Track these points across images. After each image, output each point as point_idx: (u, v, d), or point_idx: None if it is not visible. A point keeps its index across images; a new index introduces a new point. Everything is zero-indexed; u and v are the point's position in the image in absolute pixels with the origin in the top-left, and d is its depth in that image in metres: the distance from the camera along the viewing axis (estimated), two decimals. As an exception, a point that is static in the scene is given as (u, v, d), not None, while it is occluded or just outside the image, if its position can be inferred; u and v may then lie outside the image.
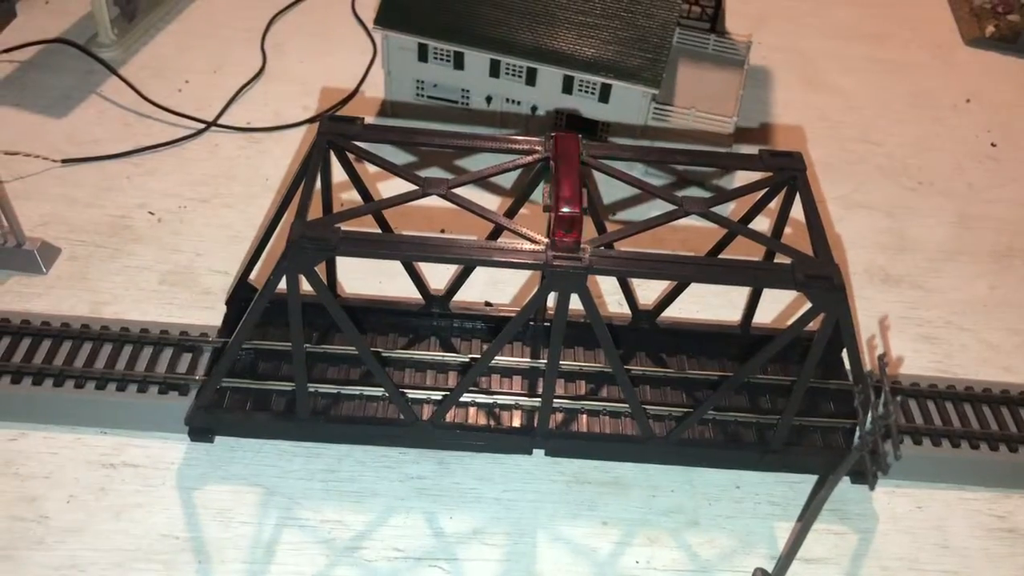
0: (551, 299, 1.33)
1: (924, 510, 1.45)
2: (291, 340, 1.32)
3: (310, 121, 2.06)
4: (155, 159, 1.93)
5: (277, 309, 1.35)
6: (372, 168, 1.48)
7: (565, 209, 1.24)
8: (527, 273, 1.74)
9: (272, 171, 1.93)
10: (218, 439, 1.44)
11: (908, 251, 1.90)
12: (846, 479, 1.46)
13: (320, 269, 1.30)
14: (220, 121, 2.03)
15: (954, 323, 1.75)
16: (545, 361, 1.38)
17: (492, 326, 1.58)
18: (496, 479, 1.43)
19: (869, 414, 1.10)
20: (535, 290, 1.33)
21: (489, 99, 1.99)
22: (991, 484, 1.48)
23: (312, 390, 1.43)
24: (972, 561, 1.40)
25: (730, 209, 1.84)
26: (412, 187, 1.34)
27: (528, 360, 1.54)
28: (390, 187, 1.78)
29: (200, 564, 1.30)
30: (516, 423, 1.46)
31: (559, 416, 1.47)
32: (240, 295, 1.55)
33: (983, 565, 1.39)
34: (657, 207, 1.39)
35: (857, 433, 1.38)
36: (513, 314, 1.38)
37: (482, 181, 1.54)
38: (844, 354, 1.42)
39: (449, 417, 1.44)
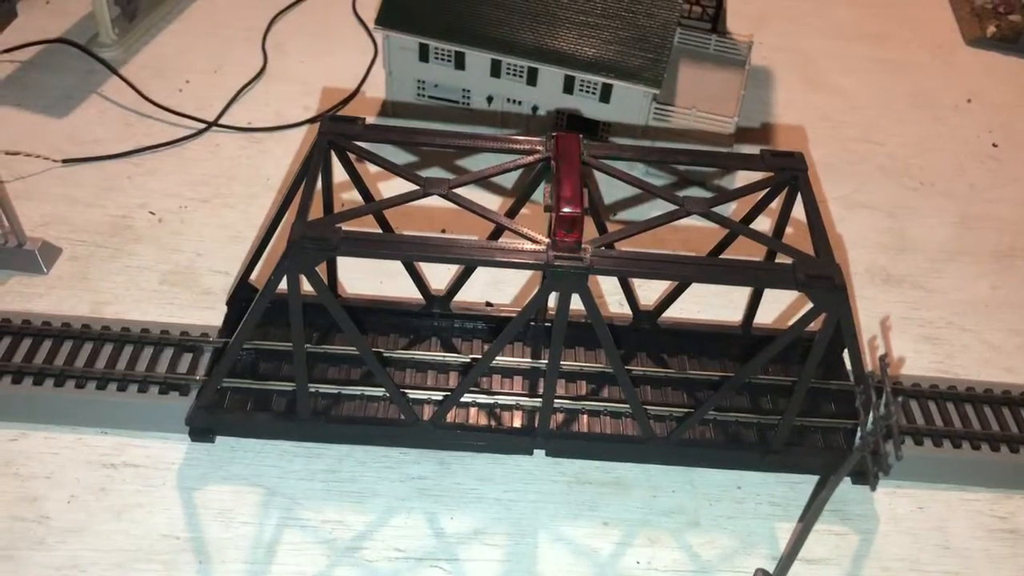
0: (552, 299, 1.33)
1: (925, 511, 1.45)
2: (292, 340, 1.32)
3: (311, 121, 2.06)
4: (156, 159, 1.93)
5: (278, 309, 1.35)
6: (373, 168, 1.48)
7: (566, 209, 1.24)
8: (528, 273, 1.73)
9: (273, 171, 1.93)
10: (219, 439, 1.44)
11: (909, 251, 1.89)
12: (847, 480, 1.46)
13: (321, 269, 1.30)
14: (221, 121, 2.03)
15: (955, 323, 1.75)
16: (546, 361, 1.38)
17: (493, 326, 1.58)
18: (497, 479, 1.43)
19: (870, 414, 1.10)
20: (536, 290, 1.33)
21: (490, 99, 1.99)
22: (992, 485, 1.48)
23: (313, 390, 1.43)
24: (973, 562, 1.40)
25: (731, 209, 1.84)
26: (413, 187, 1.34)
27: (529, 360, 1.54)
28: (391, 187, 1.78)
29: (201, 564, 1.30)
30: (517, 423, 1.46)
31: (560, 416, 1.47)
32: (241, 295, 1.55)
33: (984, 566, 1.39)
34: (658, 207, 1.39)
35: (858, 433, 1.38)
36: (514, 314, 1.38)
37: (483, 181, 1.54)
38: (845, 354, 1.42)
39: (450, 417, 1.44)
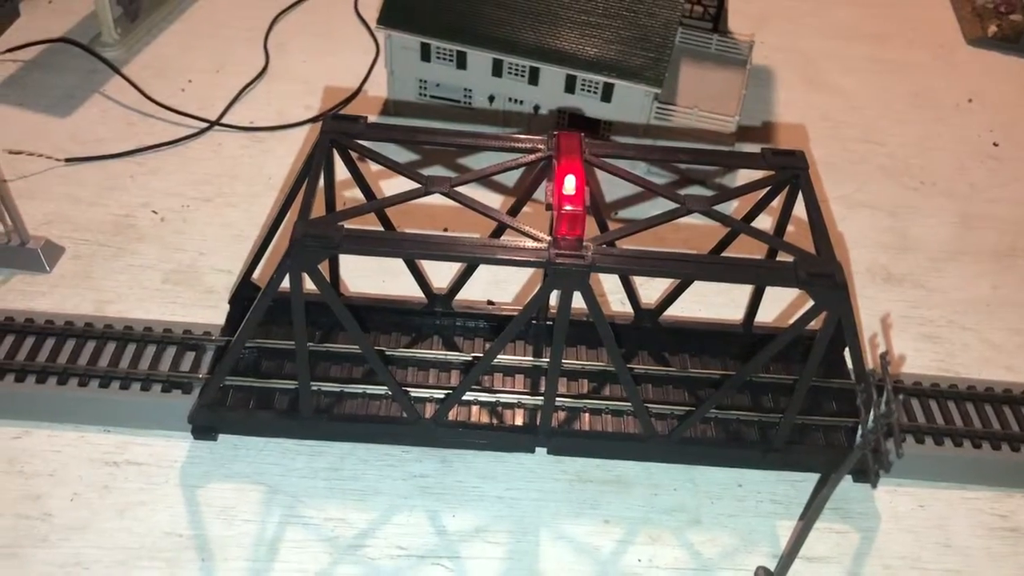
0: (553, 298, 1.33)
1: (926, 509, 1.45)
2: (294, 338, 1.32)
3: (313, 120, 2.06)
4: (158, 158, 1.93)
5: (280, 308, 1.35)
6: (375, 167, 1.48)
7: (567, 207, 1.24)
8: (529, 272, 1.74)
9: (275, 170, 1.93)
10: (221, 437, 1.45)
11: (910, 250, 1.90)
12: (848, 478, 1.47)
13: (323, 268, 1.31)
14: (223, 120, 2.03)
15: (956, 322, 1.75)
16: (548, 360, 1.38)
17: (495, 325, 1.58)
18: (499, 477, 1.43)
19: (871, 412, 1.10)
20: (537, 289, 1.33)
21: (492, 98, 1.99)
22: (993, 483, 1.48)
23: (315, 388, 1.44)
24: (974, 560, 1.40)
25: (732, 208, 1.84)
26: (415, 185, 1.34)
27: (531, 359, 1.54)
28: (393, 186, 1.78)
29: (203, 562, 1.31)
30: (519, 421, 1.46)
31: (561, 414, 1.47)
32: (243, 294, 1.55)
33: (985, 564, 1.39)
34: (659, 205, 1.39)
35: (859, 432, 1.38)
36: (516, 313, 1.38)
37: (485, 180, 1.54)
38: (847, 353, 1.42)
39: (452, 415, 1.44)
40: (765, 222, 1.48)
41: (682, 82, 2.01)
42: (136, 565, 1.29)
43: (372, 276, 1.70)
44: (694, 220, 1.47)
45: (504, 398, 1.47)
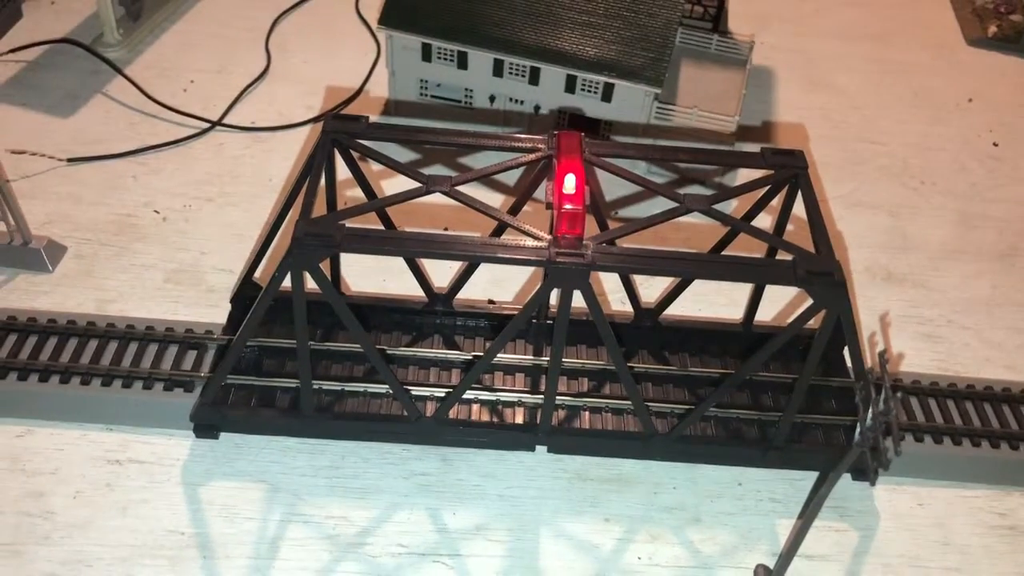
0: (554, 297, 1.34)
1: (925, 507, 1.46)
2: (296, 337, 1.33)
3: (314, 120, 2.07)
4: (160, 158, 1.94)
5: (282, 307, 1.36)
6: (376, 166, 1.49)
7: (568, 206, 1.25)
8: (530, 271, 1.74)
9: (276, 170, 1.94)
10: (223, 436, 1.45)
11: (910, 250, 1.90)
12: (847, 476, 1.47)
13: (325, 267, 1.31)
14: (225, 120, 2.04)
15: (956, 322, 1.76)
16: (548, 358, 1.38)
17: (495, 324, 1.59)
18: (499, 476, 1.44)
19: (869, 411, 1.10)
20: (538, 287, 1.34)
21: (492, 98, 2.00)
22: (992, 482, 1.49)
23: (316, 387, 1.44)
24: (973, 558, 1.40)
25: (732, 207, 1.84)
26: (416, 185, 1.35)
27: (531, 357, 1.54)
28: (394, 185, 1.79)
29: (205, 559, 1.31)
30: (519, 420, 1.47)
31: (562, 413, 1.48)
32: (245, 293, 1.55)
33: (984, 562, 1.40)
34: (659, 205, 1.40)
35: (858, 430, 1.39)
36: (516, 312, 1.39)
37: (485, 179, 1.54)
38: (847, 352, 1.43)
39: (452, 414, 1.45)
40: (765, 221, 1.49)
41: (682, 82, 2.01)
42: (138, 562, 1.30)
43: (373, 275, 1.70)
44: (694, 219, 1.48)
45: (504, 397, 1.48)
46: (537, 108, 1.98)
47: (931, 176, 2.09)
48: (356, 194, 1.51)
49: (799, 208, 1.39)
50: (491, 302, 1.66)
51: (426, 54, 1.95)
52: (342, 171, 1.45)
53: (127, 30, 2.21)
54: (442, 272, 1.68)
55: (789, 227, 1.48)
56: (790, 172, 1.41)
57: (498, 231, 1.44)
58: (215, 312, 1.61)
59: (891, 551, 1.40)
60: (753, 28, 2.28)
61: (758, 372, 1.51)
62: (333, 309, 1.31)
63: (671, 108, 1.90)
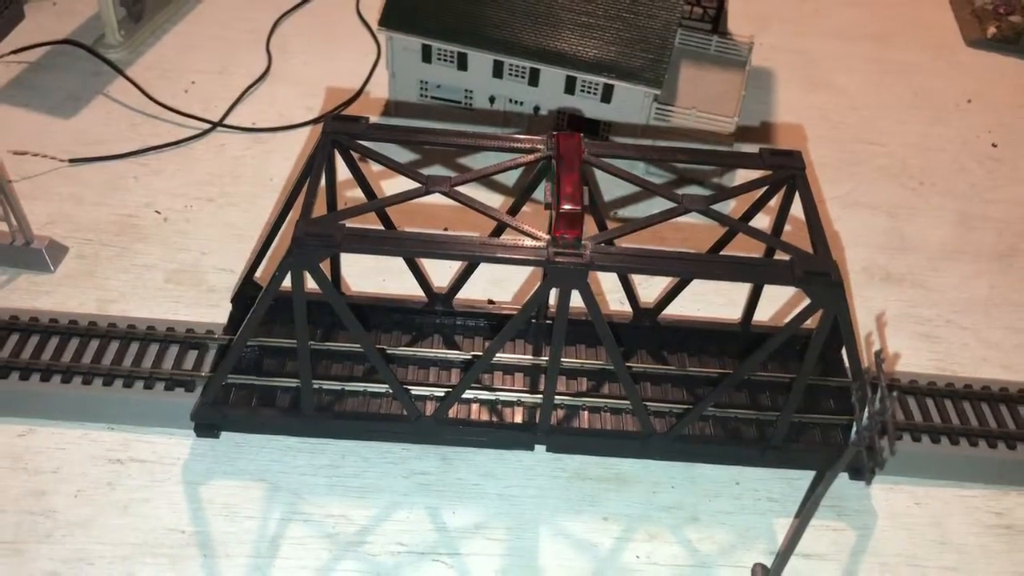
0: (553, 297, 1.34)
1: (922, 507, 1.46)
2: (296, 337, 1.33)
3: (315, 121, 2.07)
4: (161, 159, 1.95)
5: (282, 307, 1.36)
6: (376, 167, 1.49)
7: (566, 206, 1.26)
8: (529, 271, 1.75)
9: (277, 171, 1.94)
10: (223, 435, 1.46)
11: (909, 250, 1.91)
12: (844, 476, 1.47)
13: (325, 267, 1.32)
14: (226, 121, 2.05)
15: (954, 322, 1.76)
16: (547, 358, 1.39)
17: (494, 323, 1.59)
18: (498, 475, 1.45)
19: (866, 410, 1.11)
20: (536, 287, 1.34)
21: (492, 99, 2.00)
22: (989, 481, 1.49)
23: (316, 386, 1.45)
24: (970, 557, 1.41)
25: (730, 207, 1.85)
26: (415, 185, 1.35)
27: (530, 357, 1.55)
28: (393, 186, 1.80)
29: (205, 558, 1.32)
30: (518, 419, 1.47)
31: (561, 412, 1.48)
32: (245, 293, 1.56)
33: (980, 561, 1.40)
34: (658, 205, 1.40)
35: (854, 429, 1.39)
36: (515, 311, 1.39)
37: (485, 179, 1.56)
38: (845, 352, 1.43)
39: (452, 413, 1.46)
40: (763, 222, 1.49)
41: (681, 83, 2.02)
42: (139, 560, 1.31)
43: (373, 275, 1.71)
44: (692, 219, 1.49)
45: (504, 396, 1.49)
46: (537, 109, 1.99)
47: (930, 177, 2.09)
48: (356, 194, 1.52)
49: (797, 208, 1.39)
50: (490, 302, 1.66)
51: (426, 55, 1.96)
52: (342, 172, 1.45)
53: (128, 31, 2.22)
54: (442, 272, 1.68)
55: (787, 227, 1.48)
56: (788, 173, 1.41)
57: (497, 231, 1.45)
58: (216, 312, 1.62)
59: (888, 550, 1.41)
60: (753, 29, 2.29)
61: (756, 372, 1.51)
62: (333, 309, 1.32)
63: (670, 109, 1.91)
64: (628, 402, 1.44)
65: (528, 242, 1.27)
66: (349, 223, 1.27)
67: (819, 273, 1.26)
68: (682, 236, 1.85)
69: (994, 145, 2.20)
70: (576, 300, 1.27)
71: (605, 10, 1.88)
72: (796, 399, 1.37)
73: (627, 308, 1.60)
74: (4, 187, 1.59)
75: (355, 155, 1.43)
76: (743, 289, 1.66)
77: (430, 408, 1.46)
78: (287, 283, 1.28)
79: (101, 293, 1.66)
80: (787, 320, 1.34)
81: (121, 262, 1.72)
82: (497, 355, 1.45)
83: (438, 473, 1.44)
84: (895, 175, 2.09)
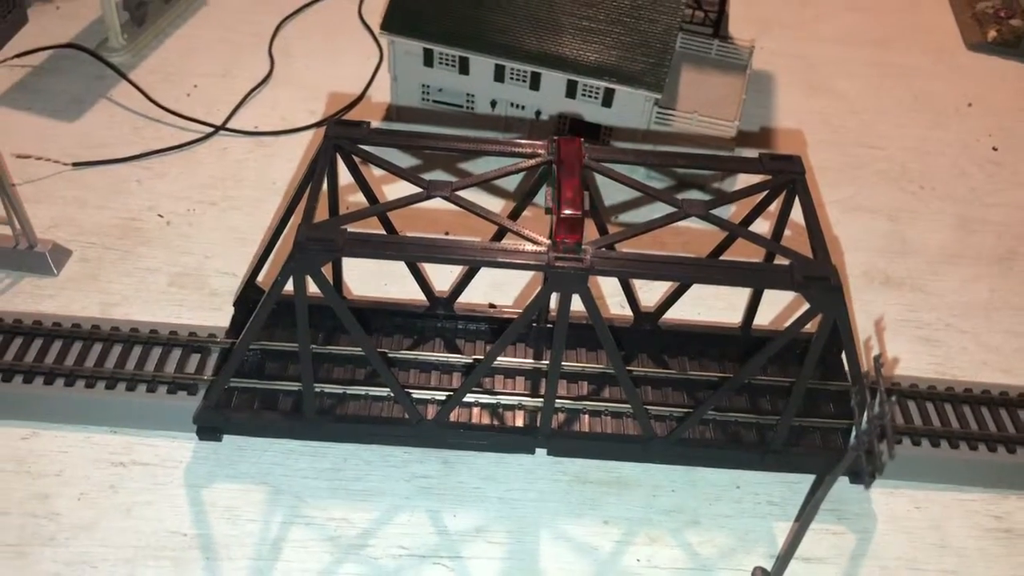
0: (553, 301, 1.35)
1: (922, 510, 1.47)
2: (298, 340, 1.34)
3: (317, 125, 2.08)
4: (164, 162, 1.95)
5: (284, 310, 1.37)
6: (377, 171, 1.50)
7: (567, 211, 1.26)
8: (530, 275, 1.76)
9: (279, 175, 1.95)
10: (226, 438, 1.47)
11: (909, 254, 1.91)
12: (844, 479, 1.48)
13: (327, 271, 1.32)
14: (228, 125, 2.05)
15: (954, 325, 1.77)
16: (548, 362, 1.40)
17: (495, 327, 1.60)
18: (499, 478, 1.45)
19: (865, 414, 1.12)
20: (537, 291, 1.35)
21: (494, 103, 2.01)
22: (989, 485, 1.50)
23: (318, 390, 1.46)
24: (969, 561, 1.41)
25: (730, 212, 1.85)
26: (417, 190, 1.36)
27: (531, 361, 1.56)
28: (395, 190, 1.80)
29: (208, 561, 1.32)
30: (519, 423, 1.48)
31: (561, 416, 1.49)
32: (248, 296, 1.57)
33: (980, 565, 1.41)
34: (658, 209, 1.41)
35: (853, 433, 1.40)
36: (516, 315, 1.40)
37: (486, 184, 1.56)
38: (844, 355, 1.44)
39: (453, 417, 1.46)
40: (762, 226, 1.50)
41: (682, 87, 2.03)
42: (142, 563, 1.31)
43: (374, 279, 1.72)
44: (692, 224, 1.49)
45: (505, 400, 1.49)
46: (538, 113, 1.99)
47: (930, 180, 2.10)
48: (358, 199, 1.52)
49: (796, 213, 1.40)
50: (491, 306, 1.67)
51: (428, 59, 1.96)
52: (344, 176, 1.46)
53: (131, 35, 2.22)
54: (443, 276, 1.69)
55: (787, 232, 1.49)
56: (787, 177, 1.42)
57: (498, 236, 1.46)
58: (218, 316, 1.63)
59: (888, 554, 1.41)
60: (754, 33, 2.29)
61: (756, 376, 1.52)
62: (335, 313, 1.33)
63: (671, 113, 1.92)
64: (629, 406, 1.44)
65: (529, 247, 1.28)
66: (351, 227, 1.27)
67: (818, 278, 1.26)
68: (682, 240, 1.86)
69: (994, 149, 2.20)
70: (577, 304, 1.28)
71: (606, 14, 1.88)
72: (796, 403, 1.38)
73: (628, 312, 1.61)
74: (8, 190, 1.60)
75: (357, 159, 1.43)
76: (743, 293, 1.66)
77: (431, 412, 1.46)
78: (289, 287, 1.28)
79: (104, 296, 1.66)
80: (787, 324, 1.34)
81: (124, 265, 1.73)
82: (498, 359, 1.46)
83: (439, 476, 1.45)
84: (895, 179, 2.09)
